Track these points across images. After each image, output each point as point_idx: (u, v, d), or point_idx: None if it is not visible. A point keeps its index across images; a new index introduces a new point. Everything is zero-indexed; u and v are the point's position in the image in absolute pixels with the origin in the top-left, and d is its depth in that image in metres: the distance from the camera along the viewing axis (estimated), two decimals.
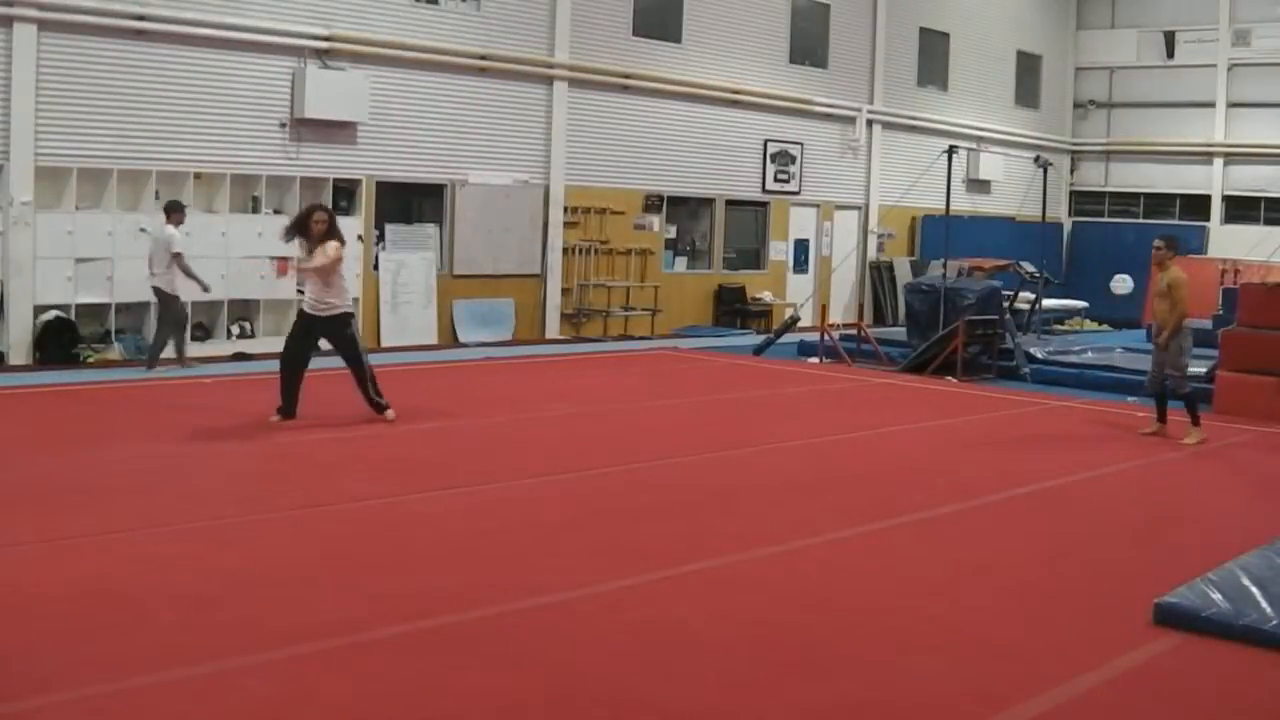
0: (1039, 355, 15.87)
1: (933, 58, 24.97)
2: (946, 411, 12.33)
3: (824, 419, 11.75)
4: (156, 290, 13.54)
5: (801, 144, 22.31)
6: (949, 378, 14.78)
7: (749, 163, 21.55)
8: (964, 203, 24.07)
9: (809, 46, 22.46)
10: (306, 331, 10.41)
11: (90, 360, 13.75)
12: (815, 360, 16.63)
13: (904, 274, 22.79)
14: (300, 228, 10.45)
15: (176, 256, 13.35)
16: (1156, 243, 11.10)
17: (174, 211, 13.54)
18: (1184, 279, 10.81)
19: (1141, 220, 27.10)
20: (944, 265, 17.41)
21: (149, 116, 14.54)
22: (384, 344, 16.35)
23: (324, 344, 10.48)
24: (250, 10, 15.28)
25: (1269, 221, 25.59)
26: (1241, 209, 26.39)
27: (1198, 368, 14.02)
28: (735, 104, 20.98)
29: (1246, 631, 5.47)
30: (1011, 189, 25.20)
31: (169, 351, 13.59)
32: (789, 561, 6.68)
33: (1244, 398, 12.60)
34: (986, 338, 15.71)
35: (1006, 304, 16.49)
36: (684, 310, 20.52)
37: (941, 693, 4.88)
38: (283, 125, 15.65)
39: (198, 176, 14.96)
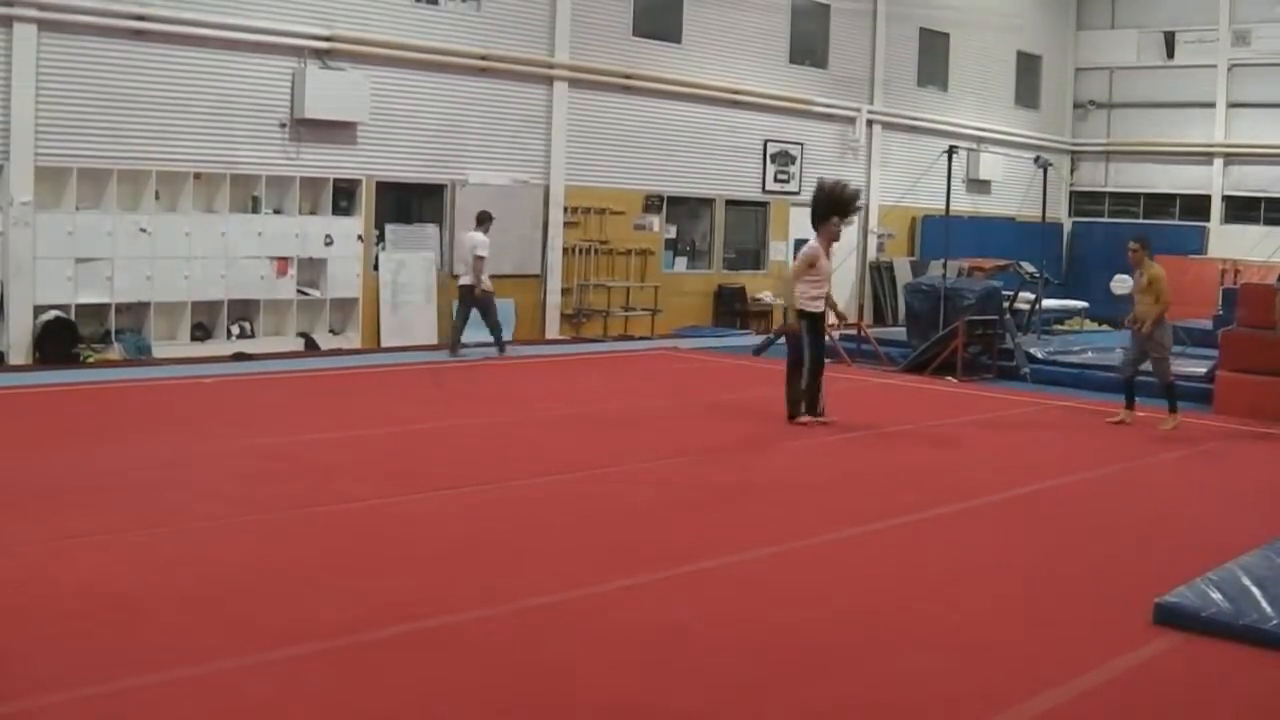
0: (1039, 355, 15.87)
1: (933, 58, 24.96)
2: (946, 412, 12.33)
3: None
4: (469, 288, 15.20)
5: (801, 144, 22.30)
6: (949, 378, 14.78)
7: (749, 163, 21.55)
8: (964, 203, 24.06)
9: (809, 46, 22.45)
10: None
11: (90, 360, 13.75)
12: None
13: (904, 274, 22.78)
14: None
15: (478, 259, 15.00)
16: (1132, 244, 11.84)
17: (484, 220, 15.42)
18: (1163, 274, 11.53)
19: (1141, 220, 27.08)
20: (944, 265, 17.41)
21: (149, 116, 14.53)
22: (384, 344, 16.36)
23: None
24: (250, 10, 15.27)
25: (1269, 221, 25.59)
26: (1241, 209, 26.38)
27: (1197, 367, 14.07)
28: (735, 104, 20.98)
29: (1246, 631, 5.47)
30: (1011, 189, 25.19)
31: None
32: (789, 561, 6.68)
33: (1244, 398, 12.60)
34: (986, 338, 15.71)
35: (1006, 304, 16.49)
36: (684, 310, 20.52)
37: (942, 693, 4.89)
38: (283, 125, 15.65)
39: (198, 176, 14.96)
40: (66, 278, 13.89)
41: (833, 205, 11.05)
